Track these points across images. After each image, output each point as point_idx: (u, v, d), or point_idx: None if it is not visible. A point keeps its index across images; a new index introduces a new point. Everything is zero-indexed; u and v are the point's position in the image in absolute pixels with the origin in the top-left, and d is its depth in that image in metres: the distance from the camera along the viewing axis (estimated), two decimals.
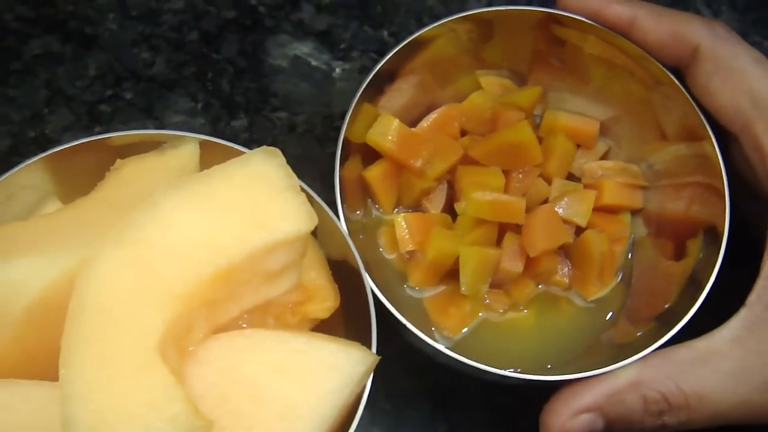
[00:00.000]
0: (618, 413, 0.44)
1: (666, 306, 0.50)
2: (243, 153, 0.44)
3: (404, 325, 0.45)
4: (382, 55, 0.51)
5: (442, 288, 0.53)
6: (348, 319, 0.45)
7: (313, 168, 0.58)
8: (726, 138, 0.49)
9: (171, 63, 0.63)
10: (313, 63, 0.64)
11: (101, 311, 0.34)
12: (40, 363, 0.37)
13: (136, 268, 0.35)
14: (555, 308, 0.53)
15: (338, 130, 0.49)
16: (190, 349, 0.37)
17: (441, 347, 0.45)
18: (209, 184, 0.38)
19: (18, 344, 0.37)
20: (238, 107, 0.61)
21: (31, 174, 0.45)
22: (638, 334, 0.50)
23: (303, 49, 0.64)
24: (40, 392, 0.36)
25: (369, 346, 0.41)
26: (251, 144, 0.59)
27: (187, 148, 0.45)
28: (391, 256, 0.53)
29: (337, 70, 0.64)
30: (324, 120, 0.61)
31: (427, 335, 0.45)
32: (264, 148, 0.40)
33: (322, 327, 0.44)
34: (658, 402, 0.43)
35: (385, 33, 0.66)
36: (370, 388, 0.40)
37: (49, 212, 0.43)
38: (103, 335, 0.34)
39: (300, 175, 0.40)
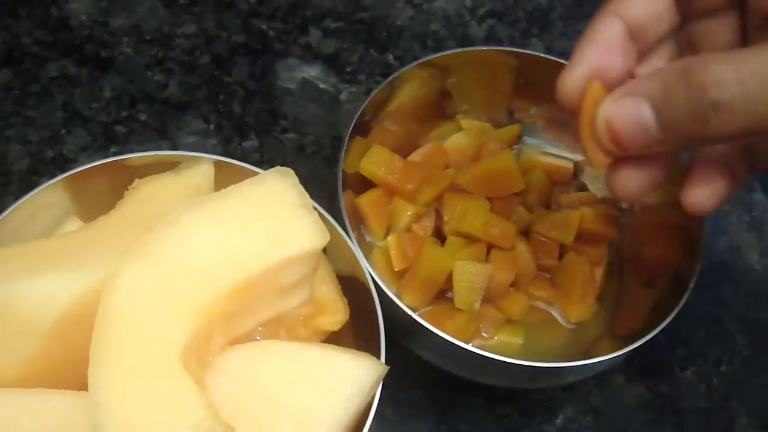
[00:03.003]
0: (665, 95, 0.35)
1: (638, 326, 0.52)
2: (255, 173, 0.47)
3: (414, 330, 0.47)
4: (388, 77, 0.54)
5: (435, 308, 0.54)
6: (357, 332, 0.47)
7: (322, 187, 0.59)
8: None
9: (184, 85, 0.65)
10: (321, 86, 0.66)
11: (127, 323, 0.36)
12: (67, 373, 0.39)
13: (158, 283, 0.37)
14: (542, 330, 0.56)
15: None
16: (210, 359, 0.39)
17: (453, 339, 0.46)
18: (226, 203, 0.40)
19: (46, 355, 0.39)
20: (248, 128, 0.64)
21: (51, 194, 0.47)
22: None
23: (311, 72, 0.67)
24: (67, 401, 0.38)
25: (378, 357, 0.43)
26: (262, 164, 0.61)
27: (202, 168, 0.47)
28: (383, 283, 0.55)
29: (344, 92, 0.66)
30: (332, 141, 0.63)
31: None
32: (277, 168, 0.42)
33: (332, 339, 0.45)
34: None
35: (391, 56, 0.68)
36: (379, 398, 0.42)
37: (72, 230, 0.45)
38: (129, 346, 0.35)
39: (309, 194, 0.42)
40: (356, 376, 0.39)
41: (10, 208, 0.45)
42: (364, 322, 0.46)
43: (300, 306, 0.43)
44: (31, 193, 0.46)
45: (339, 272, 0.48)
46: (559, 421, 0.56)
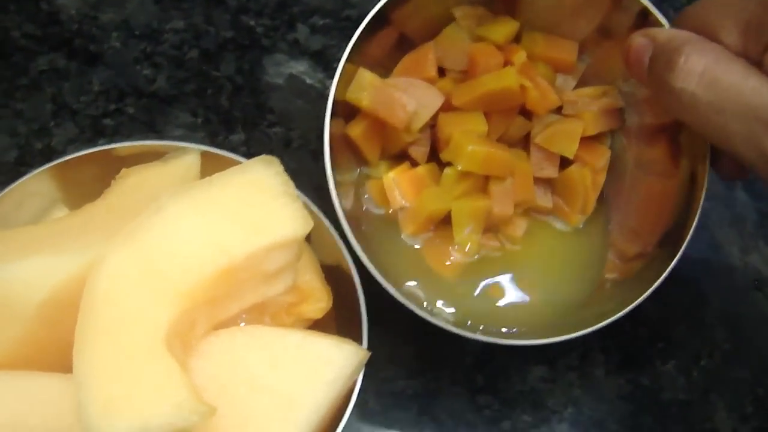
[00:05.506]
0: None
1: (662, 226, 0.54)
2: (241, 163, 0.47)
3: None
4: None
5: (437, 233, 0.54)
6: (339, 320, 0.47)
7: (307, 181, 0.60)
8: None
9: (172, 80, 0.65)
10: (308, 81, 0.67)
11: (112, 307, 0.37)
12: (52, 355, 0.39)
13: (143, 268, 0.38)
14: (542, 235, 0.56)
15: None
16: (194, 343, 0.39)
17: (438, 321, 0.48)
18: (211, 191, 0.41)
19: (31, 338, 0.39)
20: (235, 122, 0.64)
21: (39, 182, 0.48)
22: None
23: (298, 67, 0.67)
24: (53, 382, 0.39)
25: (360, 344, 0.44)
26: (248, 157, 0.62)
27: (188, 158, 0.48)
28: (381, 210, 0.54)
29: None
30: (318, 135, 0.64)
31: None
32: (262, 156, 0.42)
33: (316, 327, 0.46)
34: None
35: None
36: (360, 388, 0.43)
37: (59, 217, 0.46)
38: (114, 329, 0.36)
39: (295, 187, 0.43)
40: (337, 361, 0.40)
41: None
42: (347, 310, 0.46)
43: (284, 293, 0.43)
44: (19, 181, 0.47)
45: (323, 261, 0.48)
46: (540, 412, 0.57)
